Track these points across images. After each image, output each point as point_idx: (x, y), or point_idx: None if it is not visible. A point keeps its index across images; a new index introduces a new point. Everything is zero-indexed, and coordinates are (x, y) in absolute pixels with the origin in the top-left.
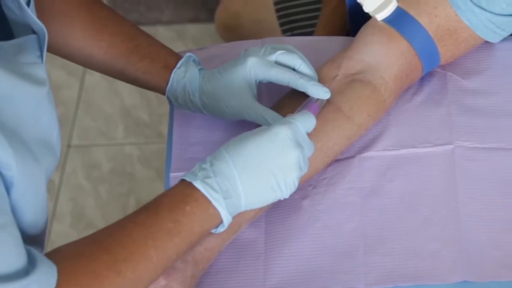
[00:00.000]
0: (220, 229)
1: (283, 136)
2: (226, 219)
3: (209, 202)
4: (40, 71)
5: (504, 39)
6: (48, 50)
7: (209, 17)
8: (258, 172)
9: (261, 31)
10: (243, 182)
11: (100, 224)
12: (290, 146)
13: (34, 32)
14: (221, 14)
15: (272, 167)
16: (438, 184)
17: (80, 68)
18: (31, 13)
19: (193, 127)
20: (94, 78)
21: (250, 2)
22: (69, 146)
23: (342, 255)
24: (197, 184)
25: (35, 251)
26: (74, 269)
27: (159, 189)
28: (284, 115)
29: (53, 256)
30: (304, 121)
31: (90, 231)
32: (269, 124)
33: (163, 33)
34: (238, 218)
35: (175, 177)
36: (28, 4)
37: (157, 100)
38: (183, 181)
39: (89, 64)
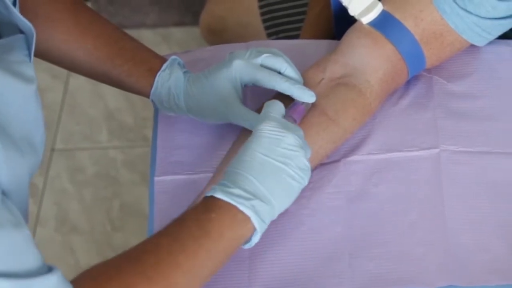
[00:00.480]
0: (254, 240)
1: (270, 129)
2: (258, 223)
3: (235, 207)
4: (28, 69)
5: (490, 43)
6: None
7: (194, 21)
8: (271, 169)
9: (246, 34)
10: (263, 183)
11: (85, 228)
12: (281, 132)
13: (21, 32)
14: (206, 17)
15: (280, 159)
16: (424, 188)
17: (64, 71)
18: (18, 13)
19: (178, 131)
20: (78, 81)
21: (235, 6)
22: (53, 149)
23: (328, 260)
24: (218, 195)
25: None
26: (102, 277)
27: (143, 192)
28: None
29: (80, 274)
30: (274, 108)
31: (74, 235)
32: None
33: (147, 37)
34: None
35: (159, 181)
36: (14, 4)
37: (141, 103)
38: (204, 198)
39: (73, 67)
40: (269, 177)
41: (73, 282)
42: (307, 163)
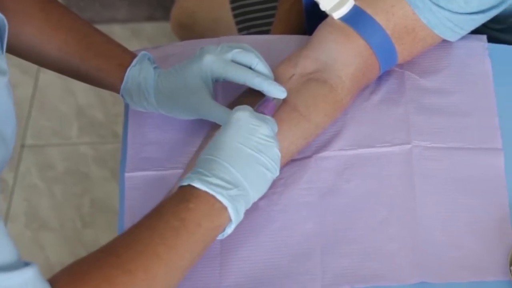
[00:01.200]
0: (228, 231)
1: (245, 118)
2: (234, 214)
3: (212, 197)
4: (0, 62)
5: (462, 38)
6: None
7: (165, 16)
8: (245, 157)
9: (217, 29)
10: (239, 171)
11: (55, 224)
12: (256, 122)
13: None
14: (176, 12)
15: (254, 147)
16: (396, 184)
17: (34, 66)
18: None
19: (148, 127)
20: (48, 76)
21: (206, 1)
22: (23, 146)
23: (299, 256)
24: (196, 184)
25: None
26: (81, 271)
27: (114, 189)
28: None
29: (58, 272)
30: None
31: (44, 232)
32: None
33: (118, 32)
34: None
35: (130, 177)
36: None
37: (112, 99)
38: (180, 187)
39: (43, 62)
40: (244, 165)
41: (52, 279)
42: (279, 154)
